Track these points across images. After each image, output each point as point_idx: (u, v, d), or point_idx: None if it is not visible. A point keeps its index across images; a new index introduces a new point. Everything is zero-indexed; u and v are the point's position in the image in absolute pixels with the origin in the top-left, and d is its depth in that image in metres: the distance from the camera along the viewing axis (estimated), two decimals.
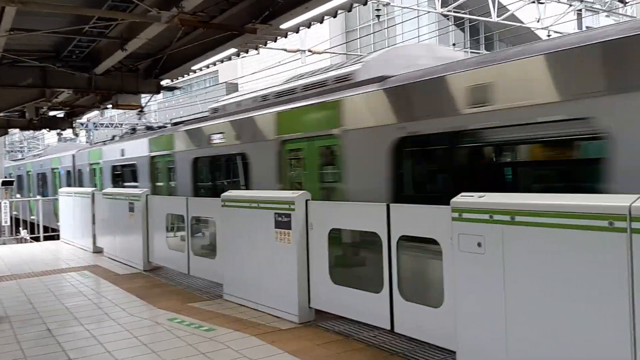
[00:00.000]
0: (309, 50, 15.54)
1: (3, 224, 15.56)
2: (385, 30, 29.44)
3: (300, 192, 6.49)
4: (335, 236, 6.17)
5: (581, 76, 4.86)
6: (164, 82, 9.00)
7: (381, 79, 7.18)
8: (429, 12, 23.80)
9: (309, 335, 5.89)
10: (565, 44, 5.11)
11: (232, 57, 8.30)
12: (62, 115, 12.92)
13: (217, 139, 10.27)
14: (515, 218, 4.09)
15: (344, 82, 7.91)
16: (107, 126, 29.34)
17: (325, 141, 7.97)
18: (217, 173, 11.24)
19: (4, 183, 17.86)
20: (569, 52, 4.97)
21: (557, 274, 3.82)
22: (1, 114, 12.88)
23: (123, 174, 15.59)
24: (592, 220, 3.60)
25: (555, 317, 3.83)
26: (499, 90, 5.50)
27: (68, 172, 20.25)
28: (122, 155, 15.15)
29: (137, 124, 22.79)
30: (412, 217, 5.20)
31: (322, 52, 15.48)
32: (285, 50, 14.98)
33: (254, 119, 9.32)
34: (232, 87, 40.94)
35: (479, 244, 4.35)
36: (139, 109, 10.71)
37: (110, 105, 10.15)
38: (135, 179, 14.49)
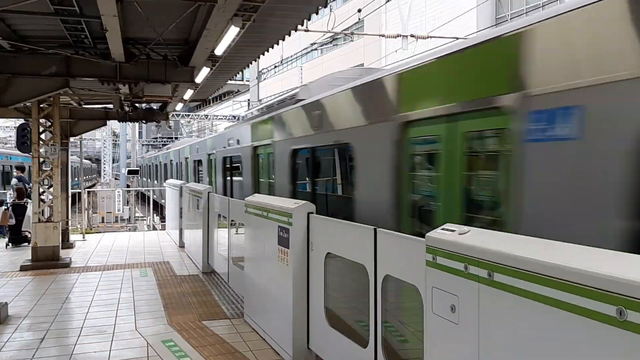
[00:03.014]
0: (412, 36, 13.63)
1: (117, 212, 16.11)
2: (541, 9, 26.17)
3: (302, 202, 5.15)
4: (333, 263, 4.76)
5: None
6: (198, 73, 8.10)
7: None
8: None
9: None
10: None
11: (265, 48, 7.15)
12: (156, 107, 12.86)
13: (307, 125, 7.06)
14: (494, 276, 2.45)
15: None
16: None
17: (481, 121, 3.92)
18: (314, 171, 7.62)
19: (130, 172, 18.64)
20: None
21: None
22: (99, 106, 13.21)
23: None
24: (590, 301, 1.90)
25: None
26: None
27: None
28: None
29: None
30: (401, 251, 3.64)
31: (427, 38, 13.54)
32: (383, 36, 13.40)
33: (357, 90, 5.87)
34: None
35: (452, 308, 2.76)
36: (167, 100, 10.01)
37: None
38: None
